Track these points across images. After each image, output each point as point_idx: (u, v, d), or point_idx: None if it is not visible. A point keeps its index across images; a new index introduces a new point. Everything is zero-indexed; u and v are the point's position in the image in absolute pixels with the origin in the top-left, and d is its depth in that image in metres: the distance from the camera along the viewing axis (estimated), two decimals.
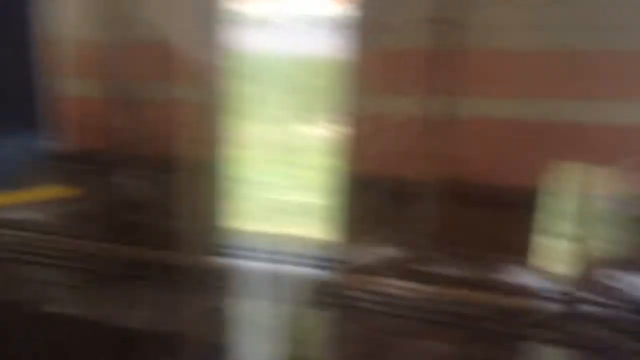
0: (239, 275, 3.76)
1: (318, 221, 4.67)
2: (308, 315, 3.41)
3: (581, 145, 4.56)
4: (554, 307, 3.37)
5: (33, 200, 4.73)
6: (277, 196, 5.18)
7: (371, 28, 4.57)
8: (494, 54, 4.53)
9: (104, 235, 4.17)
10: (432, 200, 4.04)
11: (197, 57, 4.29)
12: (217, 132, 4.94)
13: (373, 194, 4.50)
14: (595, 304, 3.36)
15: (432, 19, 3.84)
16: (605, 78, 4.49)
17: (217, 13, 4.91)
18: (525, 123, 4.63)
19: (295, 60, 9.28)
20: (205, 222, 4.30)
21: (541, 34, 4.50)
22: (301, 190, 5.19)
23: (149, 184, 4.57)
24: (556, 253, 3.93)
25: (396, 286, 3.66)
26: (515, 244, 3.91)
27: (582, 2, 4.39)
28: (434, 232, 4.03)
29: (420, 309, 3.45)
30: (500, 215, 4.28)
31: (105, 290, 3.59)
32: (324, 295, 3.56)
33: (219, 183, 4.88)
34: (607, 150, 4.51)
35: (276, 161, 5.92)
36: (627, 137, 4.51)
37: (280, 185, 5.37)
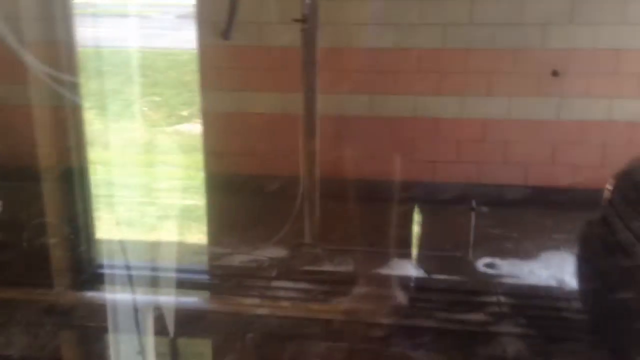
0: (111, 308, 3.43)
1: (193, 224, 4.49)
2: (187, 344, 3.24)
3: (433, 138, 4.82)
4: (435, 296, 3.47)
5: None
6: (148, 200, 4.91)
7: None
8: (350, 51, 4.63)
9: None
10: (305, 198, 4.02)
11: (47, 55, 3.94)
12: (78, 136, 4.60)
13: (246, 194, 4.43)
14: (474, 292, 3.50)
15: (290, 18, 3.83)
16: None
17: (66, 6, 4.54)
18: (382, 118, 4.80)
19: (157, 54, 8.94)
20: (75, 238, 3.96)
21: (391, 32, 4.67)
22: (171, 193, 4.97)
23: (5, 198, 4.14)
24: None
25: (279, 288, 3.60)
26: (390, 236, 4.01)
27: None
28: (311, 229, 4.02)
29: (307, 309, 3.41)
30: (370, 209, 4.39)
31: None
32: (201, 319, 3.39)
33: (86, 191, 4.56)
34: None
35: (142, 162, 5.62)
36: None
37: (151, 188, 5.10)
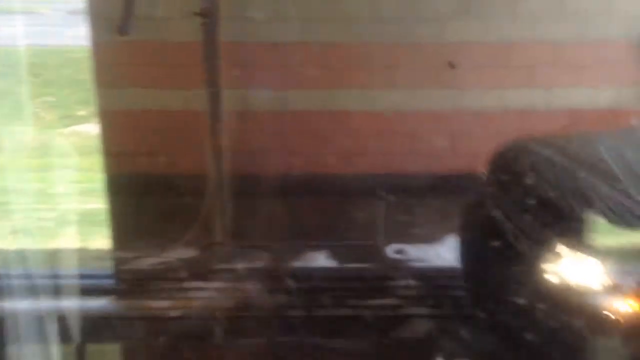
0: (11, 316, 3.22)
1: (96, 229, 4.30)
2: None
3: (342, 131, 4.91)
4: (350, 284, 3.54)
5: None
6: (46, 206, 4.64)
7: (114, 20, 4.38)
8: (255, 46, 4.62)
9: None
10: (214, 195, 3.97)
11: None
12: None
13: (152, 194, 4.31)
14: (387, 278, 3.60)
15: (192, 12, 3.77)
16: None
17: None
18: (290, 113, 4.81)
19: (49, 52, 8.48)
20: None
21: (299, 27, 4.71)
22: (71, 197, 4.72)
23: None
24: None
25: (192, 287, 3.54)
26: (303, 230, 4.05)
27: None
28: (222, 227, 3.97)
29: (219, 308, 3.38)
30: (283, 204, 4.39)
31: None
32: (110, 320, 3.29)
33: None
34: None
35: (39, 166, 5.30)
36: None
37: (49, 193, 4.82)
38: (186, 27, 3.95)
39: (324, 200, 4.47)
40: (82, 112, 6.83)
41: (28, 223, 4.35)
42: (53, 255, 3.79)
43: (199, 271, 3.69)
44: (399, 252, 3.90)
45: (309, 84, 4.81)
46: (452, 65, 4.83)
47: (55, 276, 3.45)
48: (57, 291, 3.32)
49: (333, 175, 4.79)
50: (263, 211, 4.12)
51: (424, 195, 4.80)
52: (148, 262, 3.76)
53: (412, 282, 3.52)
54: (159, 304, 3.35)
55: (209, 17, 3.88)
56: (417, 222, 4.34)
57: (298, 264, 3.76)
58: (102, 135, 4.68)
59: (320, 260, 3.81)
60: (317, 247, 3.90)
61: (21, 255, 3.77)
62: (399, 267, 3.73)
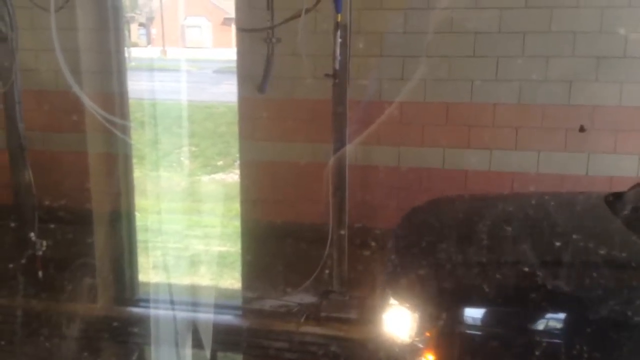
0: (151, 324, 3.67)
1: (224, 269, 4.62)
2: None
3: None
4: None
5: None
6: (184, 246, 5.07)
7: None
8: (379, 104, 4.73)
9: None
10: (333, 244, 4.12)
11: (99, 106, 4.20)
12: (124, 183, 4.81)
13: (277, 240, 4.56)
14: None
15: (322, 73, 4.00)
16: None
17: (119, 60, 4.81)
18: (410, 169, 4.88)
19: (194, 106, 9.37)
20: (118, 274, 4.15)
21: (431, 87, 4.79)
22: (207, 239, 5.11)
23: (56, 239, 4.35)
24: None
25: (305, 333, 3.71)
26: None
27: None
28: (339, 275, 4.10)
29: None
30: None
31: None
32: (235, 342, 3.56)
33: (128, 235, 4.75)
34: None
35: (182, 210, 5.81)
36: None
37: (187, 235, 5.26)
38: (319, 86, 4.22)
39: None
40: (220, 162, 7.37)
41: (166, 260, 4.78)
42: (188, 290, 4.17)
43: (314, 317, 3.85)
44: None
45: (429, 142, 4.87)
46: (582, 129, 4.68)
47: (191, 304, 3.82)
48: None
49: None
50: (376, 263, 4.20)
51: None
52: (270, 303, 4.00)
53: None
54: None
55: (338, 78, 4.12)
56: None
57: None
58: (242, 184, 5.04)
59: None
60: None
61: (153, 286, 4.21)
62: None
